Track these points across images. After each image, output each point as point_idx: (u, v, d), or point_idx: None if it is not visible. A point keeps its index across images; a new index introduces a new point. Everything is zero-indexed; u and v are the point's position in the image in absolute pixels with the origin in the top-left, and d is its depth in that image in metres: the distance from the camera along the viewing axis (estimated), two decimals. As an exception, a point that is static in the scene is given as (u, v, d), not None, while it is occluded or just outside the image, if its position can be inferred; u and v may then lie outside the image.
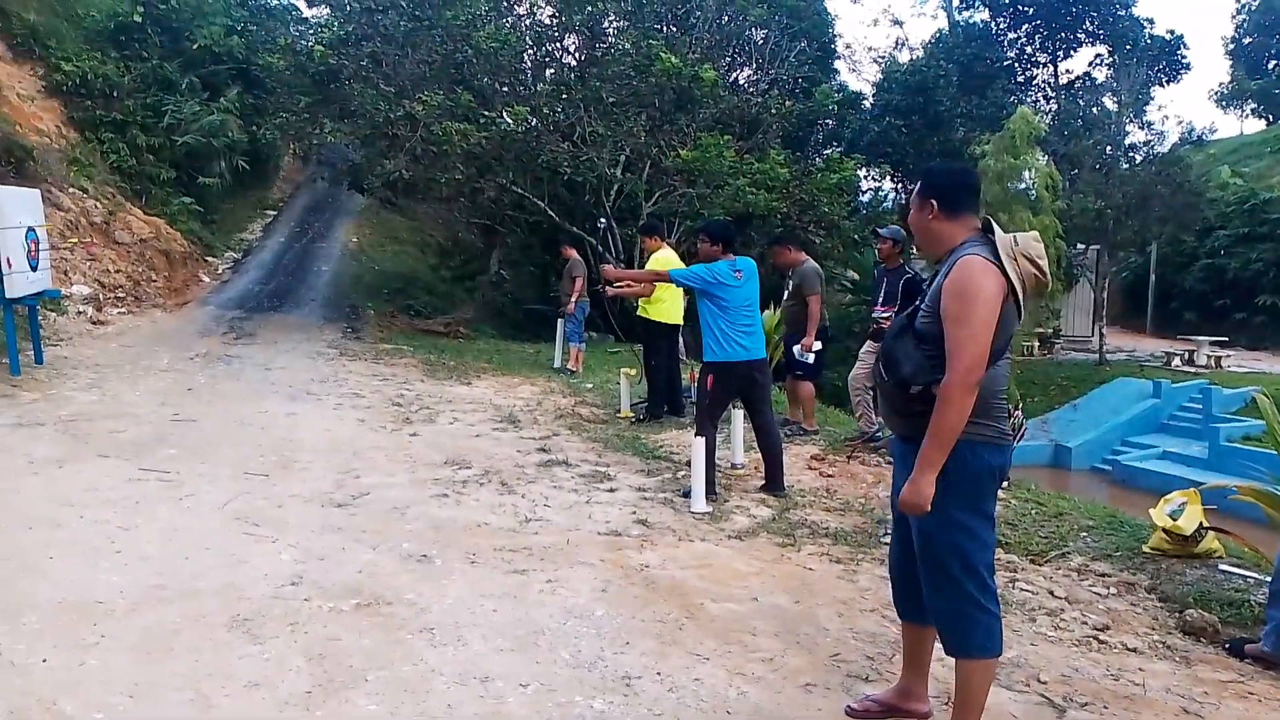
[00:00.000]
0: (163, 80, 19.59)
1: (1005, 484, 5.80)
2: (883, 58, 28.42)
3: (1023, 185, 5.67)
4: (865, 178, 20.97)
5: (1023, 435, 4.99)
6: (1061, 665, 3.61)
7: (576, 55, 16.32)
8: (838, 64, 25.89)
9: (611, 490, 5.85)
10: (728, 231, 6.03)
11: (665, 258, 8.14)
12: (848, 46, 37.61)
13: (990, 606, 2.83)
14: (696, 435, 5.72)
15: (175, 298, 16.31)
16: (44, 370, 9.10)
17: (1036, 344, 20.48)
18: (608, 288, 8.19)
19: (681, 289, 8.03)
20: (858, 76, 38.74)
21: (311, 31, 15.81)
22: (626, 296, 9.65)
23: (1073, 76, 28.04)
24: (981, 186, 3.35)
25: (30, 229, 8.78)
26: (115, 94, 18.70)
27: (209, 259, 19.91)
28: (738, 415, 6.69)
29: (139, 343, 11.76)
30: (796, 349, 7.37)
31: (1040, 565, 4.81)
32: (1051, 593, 4.40)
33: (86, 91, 18.43)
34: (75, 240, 13.79)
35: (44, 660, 3.16)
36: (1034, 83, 27.94)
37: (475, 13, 14.35)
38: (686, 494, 5.63)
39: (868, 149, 21.77)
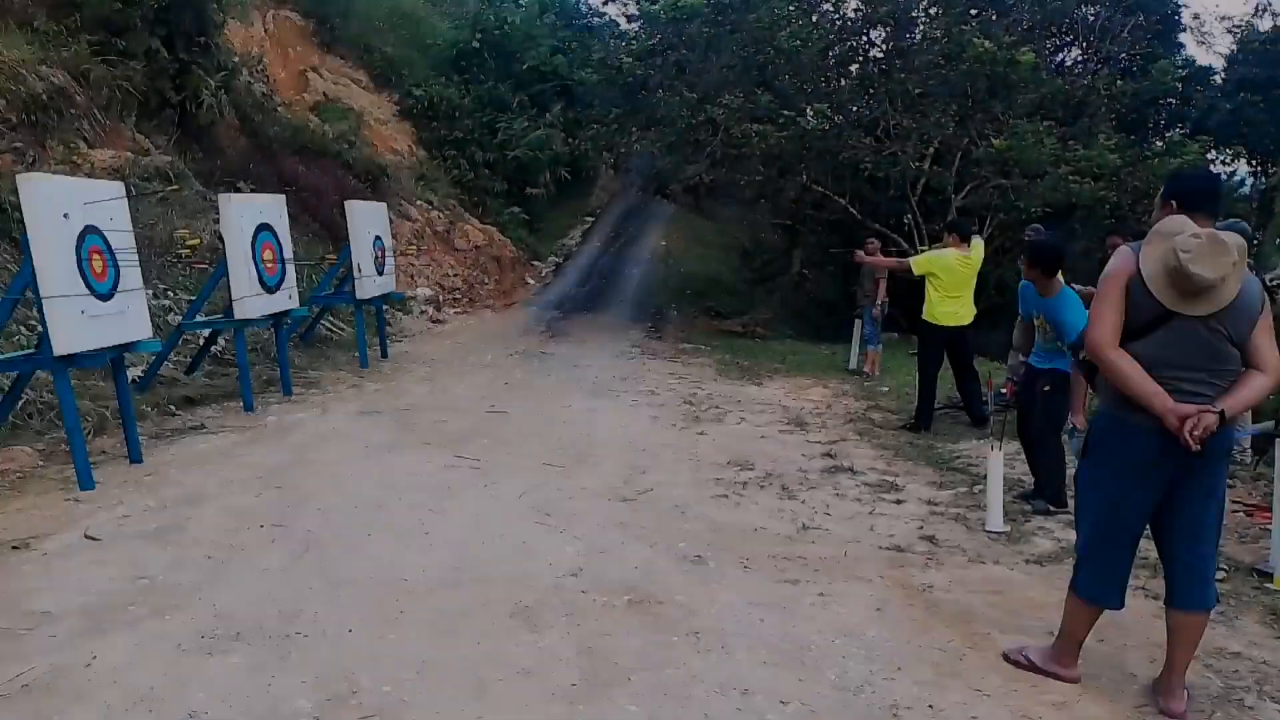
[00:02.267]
0: (496, 100, 21.43)
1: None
2: (1238, 26, 24.77)
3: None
4: (1214, 161, 18.46)
5: None
6: None
7: (882, 47, 15.80)
8: (1183, 37, 22.88)
9: (898, 502, 5.56)
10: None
11: (939, 252, 7.96)
12: (1195, 17, 33.36)
13: None
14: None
15: (503, 299, 17.79)
16: (388, 364, 10.27)
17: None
18: (857, 254, 8.23)
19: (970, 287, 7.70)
20: (1208, 49, 34.14)
21: (623, 45, 16.57)
22: (878, 267, 9.56)
23: None
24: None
25: (377, 237, 9.94)
26: (457, 115, 20.74)
27: (534, 263, 21.53)
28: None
29: (469, 340, 12.94)
30: None
31: None
32: None
33: (433, 114, 20.62)
34: (414, 248, 15.44)
35: (350, 631, 3.52)
36: None
37: (779, 14, 14.32)
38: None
39: (1218, 129, 19.11)
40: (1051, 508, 5.39)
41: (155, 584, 3.97)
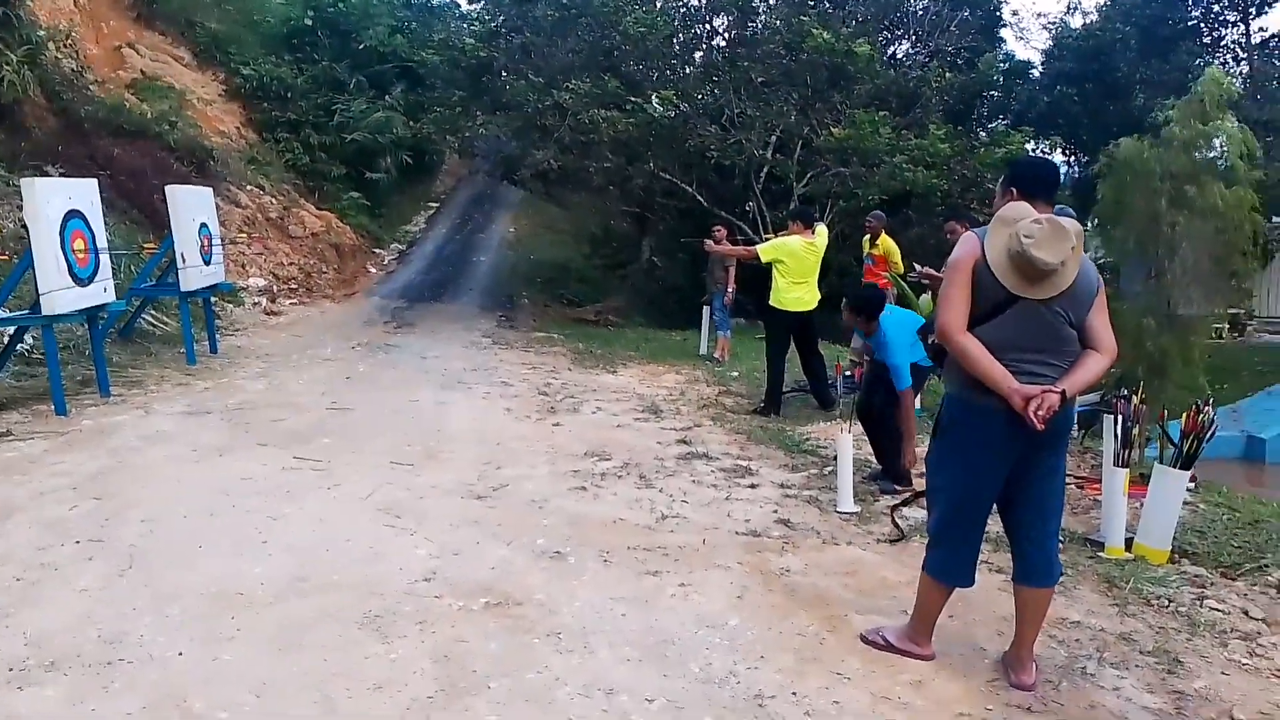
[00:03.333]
0: (333, 81, 20.58)
1: (1192, 485, 5.22)
2: (1053, 23, 26.59)
3: (1213, 154, 5.11)
4: (1035, 151, 19.75)
5: (1212, 433, 4.47)
6: (1259, 699, 3.16)
7: (726, 35, 16.02)
8: (1004, 33, 24.35)
9: (753, 486, 5.61)
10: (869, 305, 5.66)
11: (783, 238, 8.06)
12: (1015, 14, 35.62)
13: None
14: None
15: (344, 288, 17.10)
16: (218, 360, 9.64)
17: (1226, 327, 18.63)
18: (706, 243, 8.91)
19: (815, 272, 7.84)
20: (1026, 45, 36.49)
21: (465, 26, 16.16)
22: (726, 256, 9.76)
23: (1268, 35, 25.47)
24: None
25: (203, 225, 9.30)
26: (290, 95, 19.79)
27: (376, 251, 20.82)
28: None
29: (308, 332, 12.35)
30: None
31: (1233, 580, 4.26)
32: (1246, 613, 3.87)
33: (264, 94, 19.60)
34: (245, 235, 14.59)
35: (180, 654, 3.22)
36: (1223, 43, 25.41)
37: (625, -1, 14.28)
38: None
39: (1038, 121, 20.49)
40: (897, 487, 5.56)
41: (-50, 613, 3.53)
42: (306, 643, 3.35)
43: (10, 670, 3.08)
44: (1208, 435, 4.44)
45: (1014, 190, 3.19)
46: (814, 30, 13.29)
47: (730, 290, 10.78)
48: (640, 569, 4.19)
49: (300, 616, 3.57)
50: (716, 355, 10.87)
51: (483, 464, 5.95)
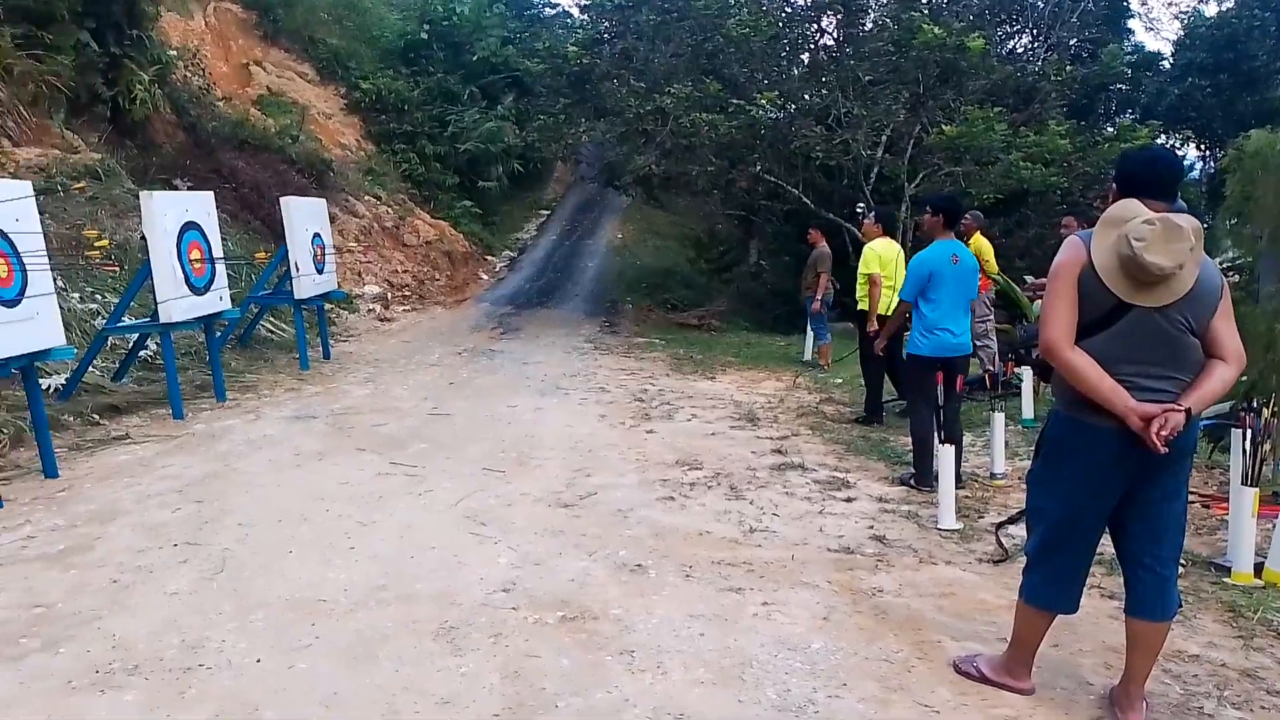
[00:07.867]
0: (446, 92, 21.05)
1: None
2: (1185, 12, 25.02)
3: (1353, 144, 4.70)
4: (1164, 146, 18.68)
5: None
6: None
7: (833, 35, 15.67)
8: (1132, 23, 23.14)
9: (849, 500, 5.40)
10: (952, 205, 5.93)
11: (876, 249, 7.67)
12: (1143, 3, 33.79)
13: None
14: (945, 441, 5.17)
15: (455, 295, 17.45)
16: (330, 365, 9.94)
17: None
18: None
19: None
20: (1155, 35, 34.57)
21: (568, 34, 16.29)
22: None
23: None
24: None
25: (316, 235, 9.60)
26: (406, 108, 20.34)
27: (488, 258, 21.18)
28: (999, 418, 5.99)
29: (417, 338, 12.62)
30: None
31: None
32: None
33: (381, 107, 20.21)
34: (356, 245, 15.03)
35: (258, 660, 3.26)
36: (1376, 26, 23.50)
37: (728, 1, 14.10)
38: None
39: (1167, 114, 19.32)
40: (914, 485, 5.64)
41: (52, 612, 3.68)
42: (380, 654, 3.35)
43: (96, 672, 3.18)
44: None
45: (1124, 186, 2.88)
46: (924, 25, 12.82)
47: (819, 298, 10.46)
48: (723, 585, 4.05)
49: (377, 626, 3.58)
50: (821, 362, 10.59)
51: (573, 471, 5.92)
